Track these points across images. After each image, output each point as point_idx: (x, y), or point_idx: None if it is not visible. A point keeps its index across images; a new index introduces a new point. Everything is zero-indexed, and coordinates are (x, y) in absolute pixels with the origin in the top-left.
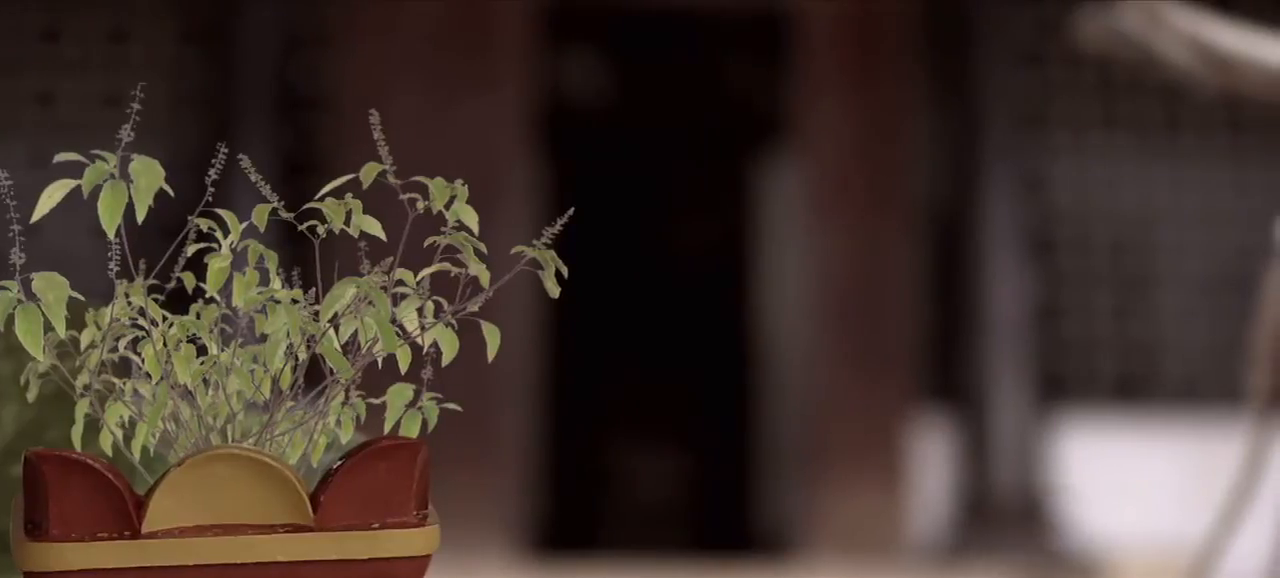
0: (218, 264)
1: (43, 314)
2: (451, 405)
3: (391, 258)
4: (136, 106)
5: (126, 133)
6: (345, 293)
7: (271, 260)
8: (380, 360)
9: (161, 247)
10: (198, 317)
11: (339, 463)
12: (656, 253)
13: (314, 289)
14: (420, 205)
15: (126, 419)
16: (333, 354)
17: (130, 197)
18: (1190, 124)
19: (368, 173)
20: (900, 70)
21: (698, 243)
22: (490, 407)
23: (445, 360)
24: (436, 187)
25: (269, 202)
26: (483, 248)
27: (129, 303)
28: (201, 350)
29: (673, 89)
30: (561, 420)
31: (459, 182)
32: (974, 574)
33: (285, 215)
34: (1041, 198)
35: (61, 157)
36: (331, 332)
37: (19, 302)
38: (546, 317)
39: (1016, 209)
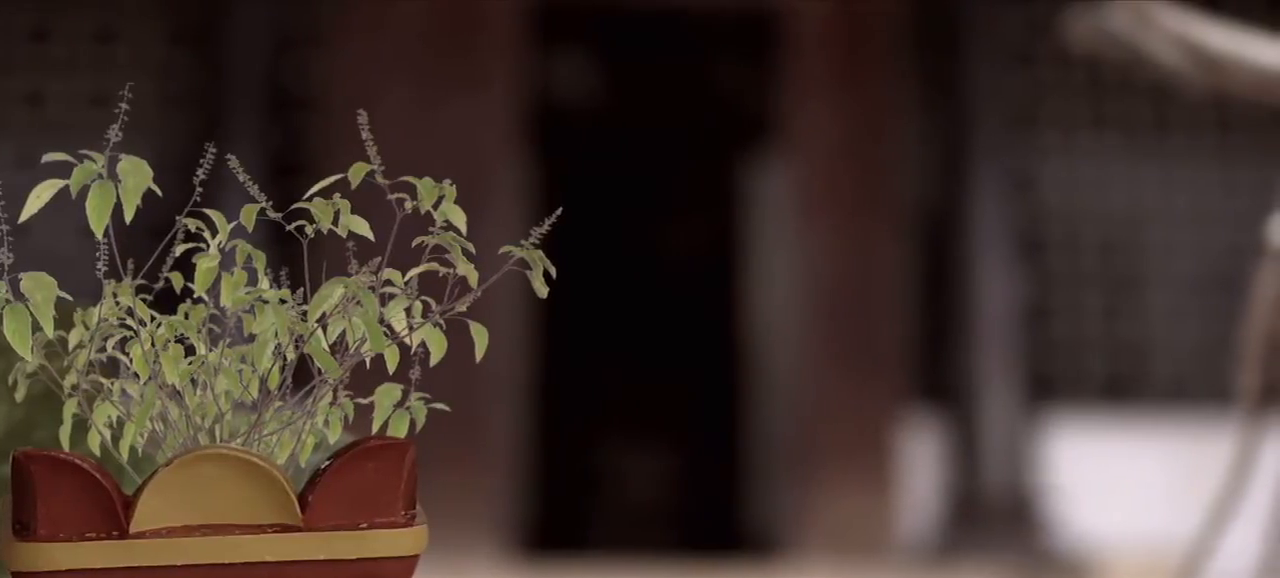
0: (206, 264)
1: (31, 314)
2: (440, 406)
3: (379, 258)
4: (124, 106)
5: (114, 133)
6: (333, 293)
7: (259, 260)
8: (368, 361)
9: (150, 247)
10: (186, 317)
11: (327, 463)
12: (646, 253)
13: (302, 289)
14: (408, 205)
15: (114, 419)
16: (321, 354)
17: (118, 197)
18: (1179, 124)
19: (356, 173)
20: (889, 71)
21: (687, 243)
22: (479, 407)
23: (433, 361)
24: (424, 186)
25: (257, 201)
26: (471, 248)
27: (117, 303)
28: (189, 350)
29: (662, 89)
30: (550, 421)
31: (447, 181)
32: (963, 574)
33: (273, 215)
34: (1031, 198)
35: (49, 157)
36: (319, 332)
37: (7, 302)
38: (535, 317)
39: (1006, 209)
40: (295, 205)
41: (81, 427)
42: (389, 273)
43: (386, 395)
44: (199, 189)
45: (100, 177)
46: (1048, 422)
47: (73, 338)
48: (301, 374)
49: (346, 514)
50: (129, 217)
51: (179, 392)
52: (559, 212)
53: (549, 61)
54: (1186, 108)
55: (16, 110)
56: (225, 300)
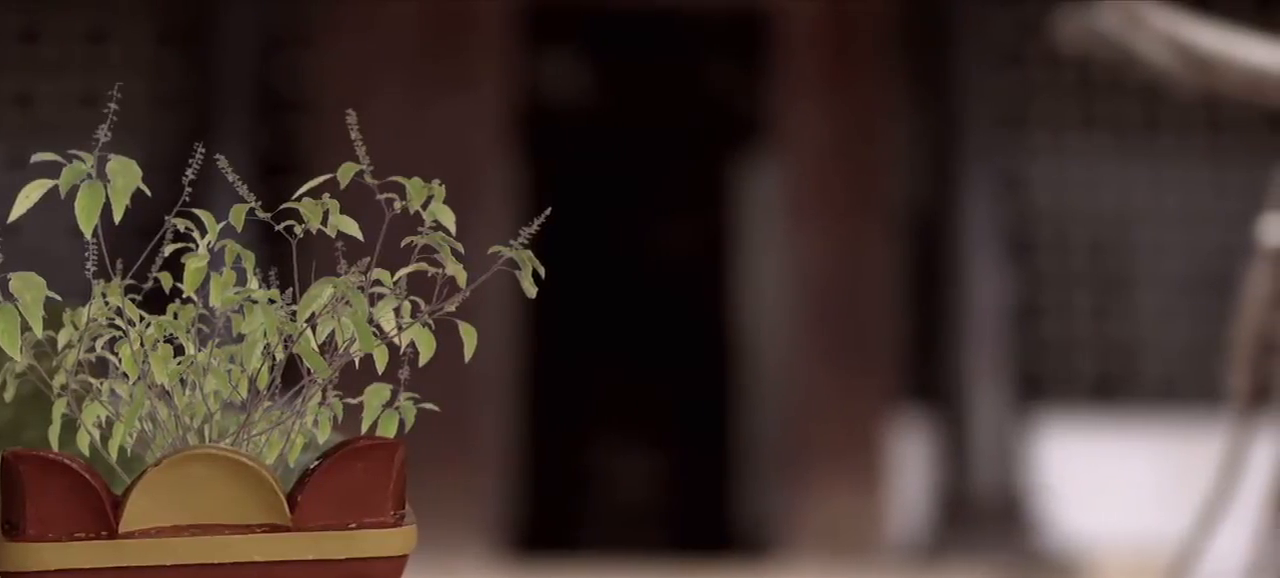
0: (195, 264)
1: (20, 314)
2: (429, 405)
3: (368, 258)
4: (113, 106)
5: (103, 133)
6: (322, 293)
7: (248, 260)
8: (357, 361)
9: (139, 247)
10: (175, 317)
11: (316, 463)
12: (636, 253)
13: (291, 289)
14: (397, 205)
15: (104, 419)
16: (310, 354)
17: (107, 197)
18: (1169, 124)
19: (345, 173)
20: (879, 71)
21: (677, 243)
22: (469, 407)
23: (422, 361)
24: (413, 187)
25: (246, 201)
26: (460, 248)
27: (106, 303)
28: (179, 350)
29: (652, 89)
30: (540, 421)
31: (436, 182)
32: (953, 574)
33: (262, 215)
34: (1021, 198)
35: (39, 157)
36: (309, 332)
37: None
38: (525, 317)
39: (996, 209)
40: (284, 205)
41: (71, 427)
42: (378, 273)
43: (375, 396)
44: (188, 189)
45: (89, 177)
46: (1038, 422)
47: (62, 338)
48: (290, 374)
49: (335, 514)
50: (118, 217)
51: (168, 392)
52: (548, 212)
53: (539, 62)
54: (1177, 108)
55: (7, 111)
56: (214, 300)
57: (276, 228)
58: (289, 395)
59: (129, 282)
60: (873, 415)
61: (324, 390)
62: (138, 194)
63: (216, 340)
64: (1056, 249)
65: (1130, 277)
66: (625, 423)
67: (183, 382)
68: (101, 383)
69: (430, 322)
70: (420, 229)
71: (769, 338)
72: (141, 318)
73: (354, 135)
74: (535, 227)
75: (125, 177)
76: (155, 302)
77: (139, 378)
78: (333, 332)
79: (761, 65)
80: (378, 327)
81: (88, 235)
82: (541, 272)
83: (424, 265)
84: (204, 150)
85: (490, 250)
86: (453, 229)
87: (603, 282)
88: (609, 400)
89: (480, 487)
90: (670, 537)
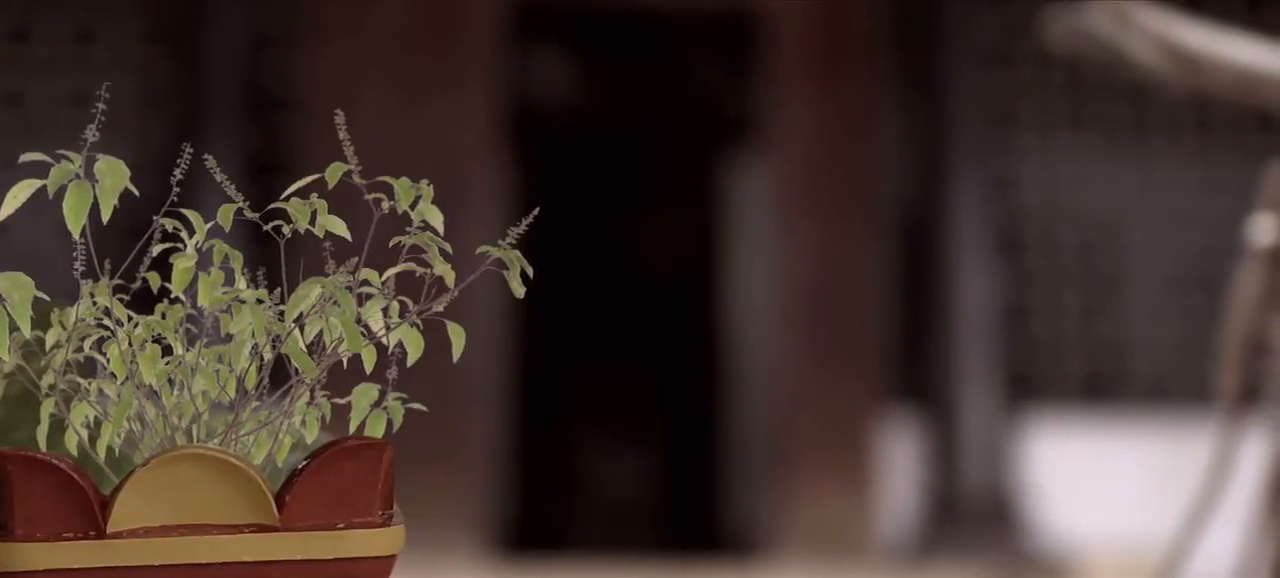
0: (183, 264)
1: (8, 314)
2: (417, 405)
3: (356, 258)
4: (102, 106)
5: (92, 132)
6: (310, 293)
7: (237, 260)
8: (345, 361)
9: (128, 246)
10: (163, 317)
11: (304, 463)
12: (624, 253)
13: (279, 289)
14: (386, 205)
15: (92, 419)
16: (298, 354)
17: (95, 196)
18: (1158, 124)
19: (333, 173)
20: (868, 70)
21: (666, 243)
22: (458, 407)
23: (410, 361)
24: (401, 186)
25: (234, 201)
26: (448, 248)
27: (94, 303)
28: (167, 350)
29: (640, 89)
30: (529, 421)
31: (424, 181)
32: (942, 574)
33: (251, 215)
34: (1010, 198)
35: (27, 157)
36: (297, 332)
37: None
38: (514, 317)
39: (985, 209)
40: (272, 205)
41: (59, 427)
42: (366, 273)
43: (363, 395)
44: (176, 189)
45: (77, 176)
46: (1027, 422)
47: (50, 338)
48: (279, 374)
49: (323, 514)
50: (106, 217)
51: (156, 392)
52: (537, 212)
53: (527, 61)
54: (1165, 108)
55: None
56: (202, 300)
57: (265, 228)
58: (277, 396)
59: (117, 281)
60: (861, 415)
61: (312, 391)
62: (126, 194)
63: (205, 340)
64: (1046, 249)
65: (1119, 277)
66: (614, 423)
67: (171, 382)
68: (89, 383)
69: (418, 322)
70: (408, 229)
71: (758, 337)
72: (129, 318)
73: (342, 135)
74: (523, 226)
75: (113, 176)
76: (143, 302)
77: (127, 378)
78: (321, 332)
79: (750, 65)
80: (366, 327)
81: (76, 235)
82: (530, 272)
83: (412, 265)
84: (192, 150)
85: (478, 250)
86: (441, 229)
87: (591, 282)
88: (597, 400)
89: (469, 487)
90: (659, 537)
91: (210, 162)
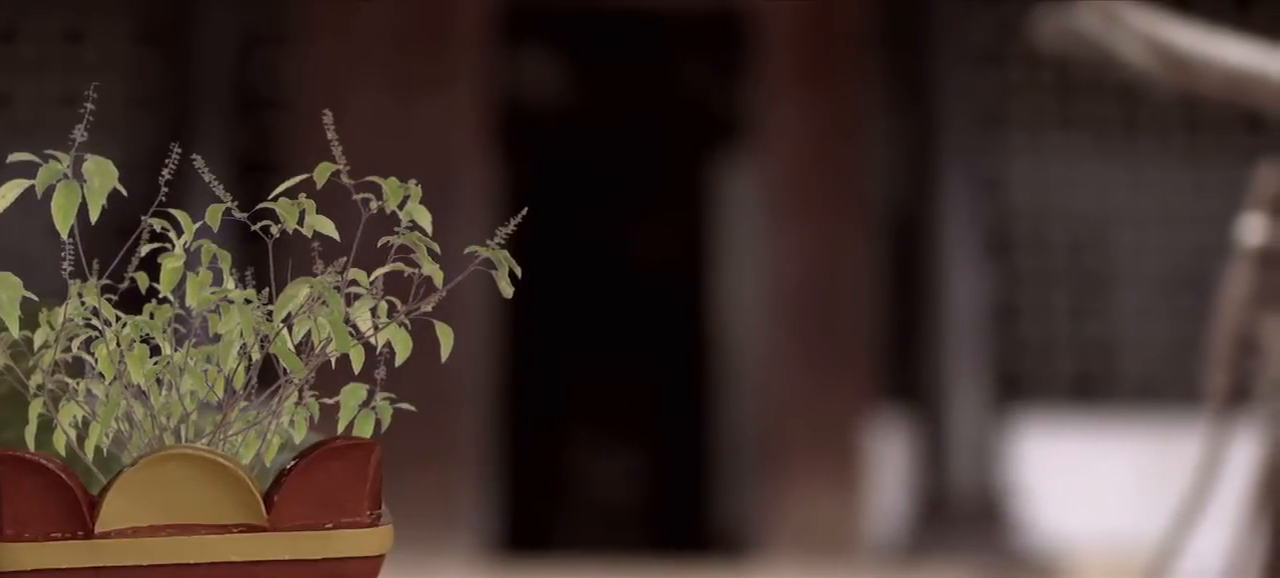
0: (171, 264)
1: None
2: (405, 406)
3: (345, 258)
4: (90, 106)
5: (80, 132)
6: (299, 293)
7: (225, 260)
8: (334, 361)
9: (116, 246)
10: (151, 317)
11: (292, 463)
12: (614, 253)
13: (268, 289)
14: (374, 205)
15: (80, 419)
16: (286, 354)
17: (84, 197)
18: (1148, 125)
19: (321, 173)
20: (858, 71)
21: (655, 243)
22: (447, 407)
23: (399, 361)
24: (390, 186)
25: (222, 201)
26: (436, 248)
27: (82, 303)
28: (155, 350)
29: (630, 89)
30: (519, 421)
31: (412, 181)
32: (931, 574)
33: (239, 215)
34: (999, 198)
35: (15, 157)
36: (285, 332)
37: None
38: (504, 317)
39: (974, 209)
40: (261, 205)
41: (47, 427)
42: (354, 273)
43: (352, 395)
44: (165, 189)
45: (65, 176)
46: (1016, 421)
47: (38, 338)
48: (267, 374)
49: (312, 514)
50: (94, 217)
51: (144, 392)
52: (525, 211)
53: (517, 61)
54: (1155, 108)
55: None
56: (191, 300)
57: (253, 228)
58: (265, 396)
59: (105, 282)
60: (851, 415)
61: (300, 391)
62: (114, 194)
63: (193, 340)
64: (1035, 249)
65: (1109, 277)
66: (604, 423)
67: (159, 382)
68: (78, 383)
69: (407, 322)
70: (397, 229)
71: (747, 338)
72: (118, 318)
73: (331, 135)
74: (511, 226)
75: (102, 176)
76: (131, 302)
77: (115, 378)
78: (309, 332)
79: (740, 65)
80: (354, 327)
81: (64, 235)
82: (518, 272)
83: (400, 265)
84: (181, 150)
85: (467, 250)
86: (429, 229)
87: (581, 282)
88: (587, 400)
89: (458, 487)
90: (648, 537)
91: (198, 162)
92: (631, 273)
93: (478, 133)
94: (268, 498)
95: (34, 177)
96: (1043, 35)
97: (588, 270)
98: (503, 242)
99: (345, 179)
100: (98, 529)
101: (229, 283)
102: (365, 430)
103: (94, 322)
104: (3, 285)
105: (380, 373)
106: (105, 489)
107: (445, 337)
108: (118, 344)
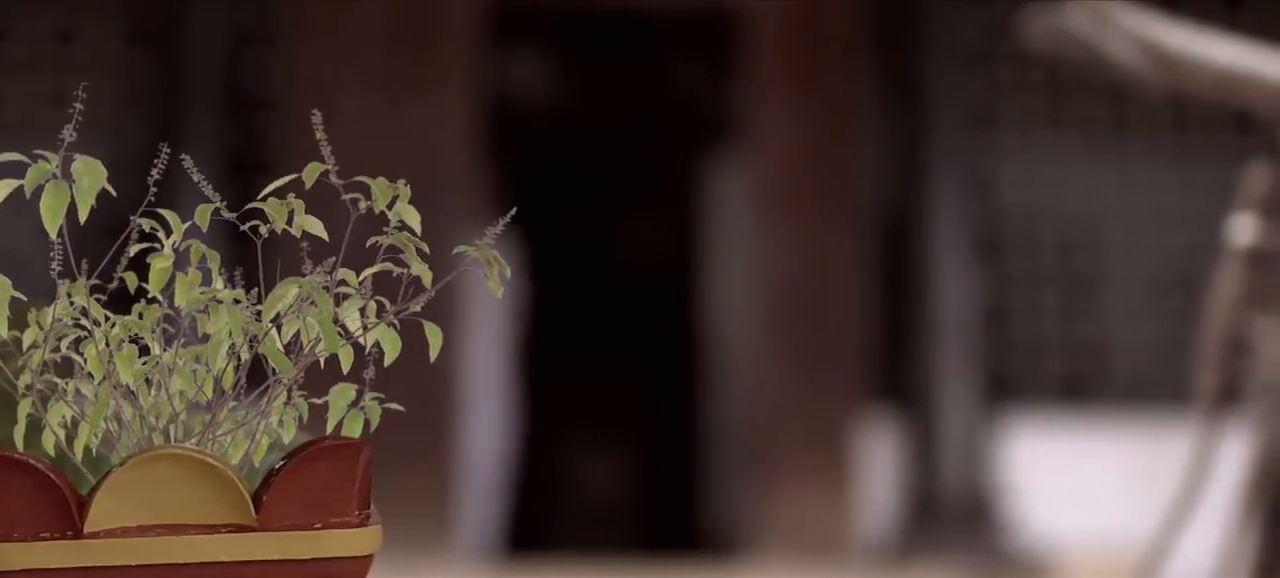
0: (160, 264)
1: None
2: (394, 405)
3: (334, 258)
4: (79, 106)
5: (69, 132)
6: (288, 293)
7: (214, 260)
8: (323, 360)
9: (106, 246)
10: (140, 317)
11: (281, 463)
12: (604, 253)
13: (257, 289)
14: (363, 205)
15: (69, 419)
16: (275, 354)
17: (73, 196)
18: (1137, 124)
19: (310, 173)
20: (848, 71)
21: (646, 243)
22: (437, 407)
23: (387, 361)
24: (378, 186)
25: (212, 201)
26: (425, 247)
27: (71, 303)
28: (144, 350)
29: (620, 89)
30: (510, 421)
31: (401, 181)
32: (921, 574)
33: (228, 215)
34: (989, 198)
35: (3, 157)
36: (274, 332)
37: None
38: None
39: (964, 209)
40: (249, 205)
41: (36, 427)
42: (343, 273)
43: (341, 395)
44: (154, 189)
45: (54, 176)
46: (1006, 422)
47: (27, 338)
48: (256, 374)
49: (300, 514)
50: (83, 217)
51: (133, 392)
52: (514, 211)
53: (507, 62)
54: (1145, 108)
55: None
56: (179, 300)
57: (242, 228)
58: (254, 395)
59: (94, 282)
60: (841, 415)
61: (289, 391)
62: (103, 194)
63: (182, 340)
64: (1025, 249)
65: (1099, 277)
66: (594, 423)
67: (148, 382)
68: (67, 383)
69: (395, 322)
70: (385, 229)
71: (737, 337)
72: (107, 318)
73: (320, 135)
74: (501, 226)
75: (90, 176)
76: (121, 302)
77: (104, 378)
78: (298, 332)
79: (730, 65)
80: (343, 327)
81: (53, 235)
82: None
83: (389, 265)
84: (170, 150)
85: (456, 250)
86: (418, 229)
87: (572, 281)
88: (578, 400)
89: (448, 487)
90: (639, 537)
91: (187, 162)
92: (622, 273)
93: (467, 133)
94: (257, 498)
95: (23, 176)
96: (1032, 35)
97: (578, 270)
98: (492, 242)
99: (334, 179)
100: (87, 529)
101: (218, 283)
102: (354, 430)
103: (83, 322)
104: None
105: (369, 373)
106: (94, 489)
107: (434, 337)
108: (107, 344)
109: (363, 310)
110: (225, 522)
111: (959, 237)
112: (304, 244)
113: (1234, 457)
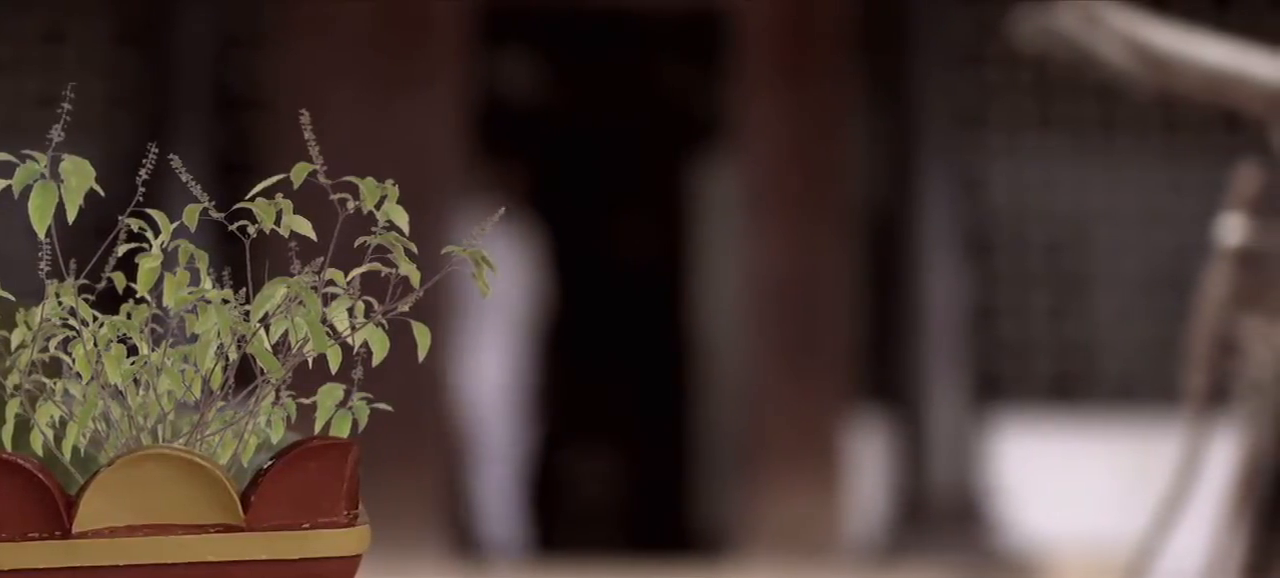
0: (148, 264)
1: None
2: (382, 405)
3: (322, 258)
4: (68, 106)
5: (57, 133)
6: (276, 293)
7: (202, 260)
8: (311, 361)
9: (94, 246)
10: (128, 317)
11: (269, 463)
12: (594, 252)
13: (245, 289)
14: (351, 205)
15: (57, 419)
16: (263, 354)
17: (61, 197)
18: (1126, 125)
19: (298, 173)
20: (837, 71)
21: (635, 243)
22: (427, 407)
23: (376, 361)
24: (367, 187)
25: (200, 201)
26: (413, 248)
27: (59, 303)
28: (132, 350)
29: (609, 89)
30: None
31: (390, 181)
32: (910, 574)
33: (216, 215)
34: (978, 198)
35: None
36: (262, 332)
37: None
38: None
39: (953, 210)
40: (238, 205)
41: (24, 427)
42: (332, 273)
43: (329, 396)
44: (142, 189)
45: (43, 176)
46: (995, 422)
47: (15, 338)
48: (244, 374)
49: (289, 514)
50: (71, 217)
51: (122, 392)
52: (502, 211)
53: (496, 62)
54: (1134, 109)
55: None
56: (168, 300)
57: (231, 228)
58: (242, 396)
59: (83, 281)
60: (830, 415)
61: (277, 391)
62: (92, 194)
63: (170, 340)
64: (1014, 249)
65: (1088, 277)
66: (583, 423)
67: (136, 382)
68: (55, 383)
69: (384, 322)
70: (374, 229)
71: (726, 337)
72: (95, 318)
73: (309, 135)
74: (489, 226)
75: (79, 177)
76: (109, 302)
77: (92, 378)
78: (286, 332)
79: (719, 65)
80: (331, 327)
81: (41, 235)
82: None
83: (377, 265)
84: (159, 150)
85: (444, 250)
86: (406, 229)
87: (561, 281)
88: (567, 400)
89: (438, 487)
90: (628, 537)
91: (176, 162)
92: (610, 272)
93: (457, 132)
94: (245, 498)
95: (11, 177)
96: (1022, 35)
97: (568, 270)
98: (481, 242)
99: (323, 179)
100: (75, 529)
101: (206, 283)
102: (342, 430)
103: (71, 322)
104: None
105: (357, 373)
106: (82, 489)
107: (423, 336)
108: (95, 344)
109: (351, 310)
110: (213, 522)
111: (948, 237)
112: (292, 244)
113: (1223, 457)
